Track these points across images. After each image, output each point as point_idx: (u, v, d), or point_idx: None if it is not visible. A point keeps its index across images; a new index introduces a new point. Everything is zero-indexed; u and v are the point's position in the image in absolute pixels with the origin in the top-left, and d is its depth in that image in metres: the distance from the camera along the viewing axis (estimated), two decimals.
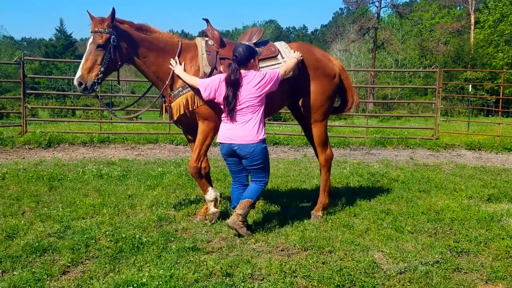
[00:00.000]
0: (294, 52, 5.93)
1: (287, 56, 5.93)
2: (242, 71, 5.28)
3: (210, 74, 5.65)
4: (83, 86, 5.25)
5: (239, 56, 5.27)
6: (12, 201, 6.49)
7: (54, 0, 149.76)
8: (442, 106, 15.03)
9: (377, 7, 55.71)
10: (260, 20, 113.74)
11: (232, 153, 5.42)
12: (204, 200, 6.11)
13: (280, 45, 6.10)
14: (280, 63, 5.93)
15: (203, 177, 5.99)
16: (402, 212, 6.30)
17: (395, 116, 27.97)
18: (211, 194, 5.96)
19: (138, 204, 6.48)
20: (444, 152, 12.87)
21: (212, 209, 5.91)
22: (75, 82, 5.27)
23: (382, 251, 4.96)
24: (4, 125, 15.18)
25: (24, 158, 10.54)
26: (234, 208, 5.50)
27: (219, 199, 6.03)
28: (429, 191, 7.59)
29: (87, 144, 12.40)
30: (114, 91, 49.65)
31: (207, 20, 6.12)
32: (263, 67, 5.88)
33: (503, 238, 5.31)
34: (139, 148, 12.27)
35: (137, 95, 18.91)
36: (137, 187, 7.50)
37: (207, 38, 5.95)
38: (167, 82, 5.69)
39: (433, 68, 15.35)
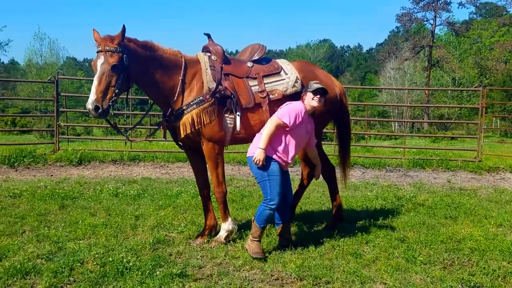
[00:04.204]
0: (296, 70, 5.86)
1: (290, 73, 5.76)
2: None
3: (216, 90, 5.43)
4: (100, 110, 4.85)
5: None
6: (17, 220, 6.44)
7: (112, 23, 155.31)
8: (485, 126, 14.14)
9: (432, 25, 54.50)
10: (314, 39, 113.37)
11: None
12: (206, 223, 5.89)
13: (282, 62, 5.95)
14: (284, 79, 5.79)
15: (227, 203, 5.85)
16: (419, 240, 5.80)
17: (448, 136, 26.70)
18: (229, 224, 5.76)
19: (141, 225, 6.29)
20: (487, 176, 12.06)
21: (221, 238, 5.66)
22: (91, 106, 4.83)
23: (385, 283, 4.55)
24: (37, 143, 15.53)
25: (52, 175, 10.62)
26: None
27: (234, 232, 5.79)
28: (456, 218, 7.01)
29: (117, 162, 12.43)
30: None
31: (208, 35, 5.93)
32: (267, 83, 5.74)
33: None
34: (167, 167, 12.18)
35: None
36: (148, 207, 7.32)
37: (209, 54, 5.75)
38: (173, 99, 5.48)
39: (476, 87, 14.58)
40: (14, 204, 7.38)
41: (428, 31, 56.10)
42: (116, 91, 4.98)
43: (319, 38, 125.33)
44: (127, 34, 5.16)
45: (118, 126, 6.28)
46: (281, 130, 5.17)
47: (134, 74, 5.22)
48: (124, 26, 5.05)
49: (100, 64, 4.96)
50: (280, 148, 5.21)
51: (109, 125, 5.64)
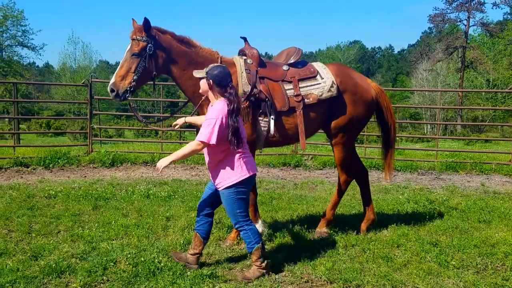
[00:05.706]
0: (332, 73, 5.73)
1: (326, 77, 5.72)
2: None
3: (250, 93, 5.47)
4: (115, 93, 5.21)
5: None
6: (52, 220, 6.59)
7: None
8: None
9: (465, 25, 53.55)
10: (344, 41, 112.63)
11: None
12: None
13: (318, 66, 5.91)
14: (319, 83, 5.74)
15: (256, 205, 5.92)
16: (452, 244, 5.72)
17: (482, 139, 26.13)
18: (259, 226, 5.84)
19: (171, 226, 6.36)
20: None
21: None
22: (108, 89, 5.25)
23: (417, 287, 4.51)
24: (71, 145, 15.81)
25: (85, 176, 10.82)
26: None
27: (264, 234, 5.83)
28: (490, 222, 6.88)
29: (148, 164, 12.58)
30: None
31: (245, 39, 5.97)
32: (303, 87, 5.69)
33: None
34: (197, 168, 12.27)
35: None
36: (178, 208, 7.39)
37: (245, 57, 5.79)
38: (203, 98, 5.53)
39: (510, 89, 14.28)
40: (50, 205, 7.55)
41: (461, 31, 55.13)
42: (135, 77, 5.22)
43: (349, 39, 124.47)
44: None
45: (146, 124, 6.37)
46: None
47: (163, 65, 5.42)
48: (145, 18, 5.21)
49: (126, 51, 5.29)
50: None
51: (140, 125, 5.79)
